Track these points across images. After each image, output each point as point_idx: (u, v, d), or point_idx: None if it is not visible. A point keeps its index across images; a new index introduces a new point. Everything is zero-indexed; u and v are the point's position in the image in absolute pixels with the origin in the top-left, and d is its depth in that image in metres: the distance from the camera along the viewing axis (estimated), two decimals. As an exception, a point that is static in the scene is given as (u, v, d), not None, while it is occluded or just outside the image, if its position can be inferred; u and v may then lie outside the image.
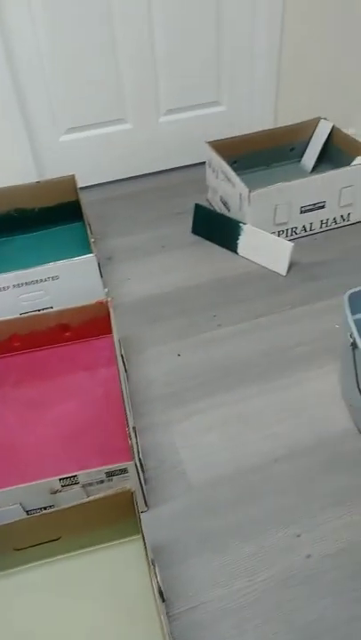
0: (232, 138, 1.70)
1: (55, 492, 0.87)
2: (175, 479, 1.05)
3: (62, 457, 1.02)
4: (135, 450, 0.91)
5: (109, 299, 1.19)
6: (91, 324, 1.22)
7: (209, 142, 1.63)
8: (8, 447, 1.05)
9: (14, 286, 1.23)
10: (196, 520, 0.99)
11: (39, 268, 1.23)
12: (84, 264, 1.25)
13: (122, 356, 1.15)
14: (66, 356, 1.22)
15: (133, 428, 0.95)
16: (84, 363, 1.21)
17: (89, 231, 1.33)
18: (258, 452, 1.08)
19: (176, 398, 1.20)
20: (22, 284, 1.24)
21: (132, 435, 0.93)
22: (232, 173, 1.50)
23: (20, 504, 0.87)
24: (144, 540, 0.76)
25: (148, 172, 1.92)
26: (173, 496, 1.03)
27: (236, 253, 1.56)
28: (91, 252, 1.27)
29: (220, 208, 1.68)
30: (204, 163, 1.91)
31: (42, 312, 1.20)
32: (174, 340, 1.34)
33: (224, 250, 1.59)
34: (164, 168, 1.93)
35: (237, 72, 1.81)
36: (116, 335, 1.13)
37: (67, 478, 0.87)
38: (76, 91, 1.67)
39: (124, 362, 1.16)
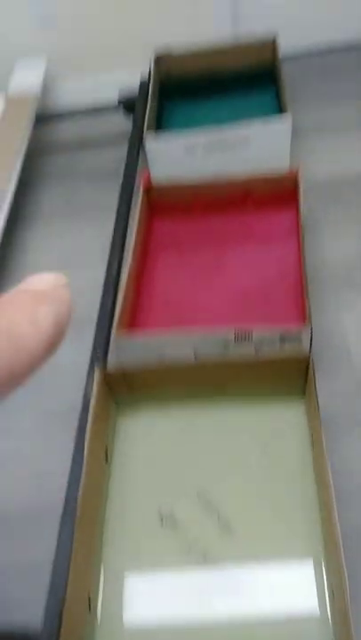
0: None
1: (228, 346, 0.90)
2: (339, 361, 1.03)
3: (232, 319, 1.04)
4: (311, 319, 0.89)
5: (300, 169, 1.12)
6: (274, 195, 1.17)
7: None
8: (181, 303, 1.09)
9: (203, 148, 1.21)
10: (355, 404, 0.96)
11: (230, 129, 1.19)
12: (278, 128, 1.18)
13: (303, 227, 1.10)
14: (243, 225, 1.20)
15: (309, 299, 0.92)
16: (260, 234, 1.18)
17: (286, 96, 1.24)
18: None
19: (351, 284, 1.14)
20: (211, 146, 1.21)
21: (309, 304, 0.90)
22: None
23: (194, 351, 0.91)
24: (316, 398, 0.75)
25: (353, 40, 1.70)
26: (334, 377, 1.01)
27: None
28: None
29: None
30: None
31: (226, 177, 1.17)
32: (356, 227, 1.25)
33: None
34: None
35: None
36: (302, 205, 1.07)
37: (242, 332, 0.88)
38: None
39: (303, 237, 1.11)
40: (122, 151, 1.43)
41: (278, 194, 1.16)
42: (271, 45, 1.43)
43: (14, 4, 1.55)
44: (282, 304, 1.05)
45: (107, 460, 0.86)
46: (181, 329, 0.92)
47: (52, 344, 0.20)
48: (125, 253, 1.14)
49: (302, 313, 0.99)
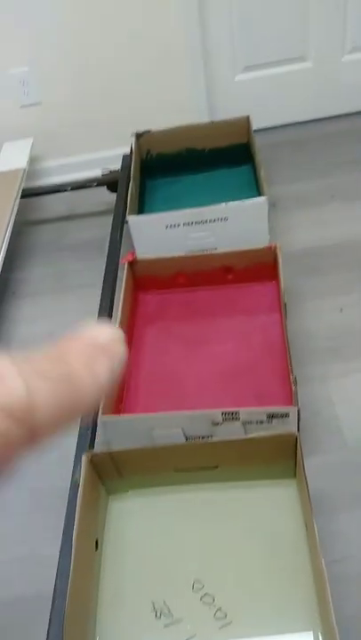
0: None
1: (216, 424, 0.90)
2: (329, 433, 1.03)
3: (219, 393, 1.05)
4: (297, 397, 0.90)
5: (278, 244, 1.17)
6: (255, 269, 1.21)
7: None
8: (169, 378, 1.09)
9: (184, 224, 1.25)
10: (349, 478, 0.96)
11: (210, 208, 1.24)
12: (255, 207, 1.23)
13: (284, 303, 1.13)
14: (227, 297, 1.23)
15: (294, 376, 0.94)
16: (244, 306, 1.21)
17: (262, 175, 1.30)
18: None
19: (336, 354, 1.16)
20: (192, 223, 1.25)
21: (295, 382, 0.92)
22: None
23: (182, 430, 0.91)
24: (306, 482, 0.75)
25: (322, 115, 1.81)
26: (326, 450, 1.01)
27: None
28: (260, 196, 1.24)
29: None
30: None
31: (208, 253, 1.21)
32: (337, 295, 1.29)
33: None
34: (340, 112, 1.80)
35: None
36: (282, 281, 1.11)
37: (229, 413, 0.89)
38: (259, 24, 1.61)
39: (285, 310, 1.14)
40: (106, 223, 1.47)
41: (259, 267, 1.20)
42: (245, 124, 1.51)
43: (2, 88, 1.63)
44: (269, 377, 1.06)
45: (97, 547, 0.84)
46: (169, 410, 0.92)
47: (102, 395, 0.22)
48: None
49: (289, 389, 1.00)
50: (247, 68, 1.71)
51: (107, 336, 0.23)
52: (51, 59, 1.59)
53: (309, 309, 1.26)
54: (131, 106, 1.69)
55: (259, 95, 1.76)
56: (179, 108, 1.71)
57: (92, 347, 0.22)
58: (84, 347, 0.22)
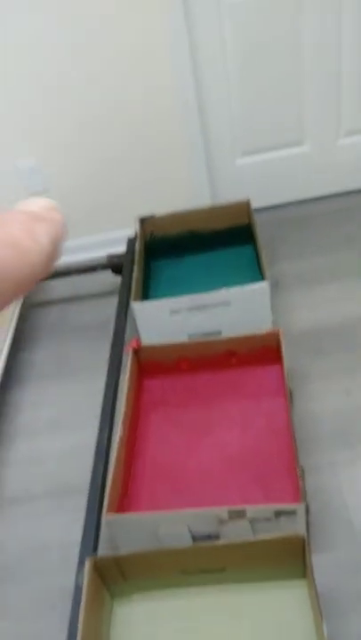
0: None
1: (222, 522, 0.88)
2: (340, 527, 1.00)
3: (223, 483, 1.03)
4: (305, 491, 0.88)
5: (280, 330, 1.18)
6: (258, 353, 1.21)
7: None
8: (172, 466, 1.08)
9: (187, 310, 1.28)
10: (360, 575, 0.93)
11: (211, 294, 1.26)
12: (256, 292, 1.26)
13: (289, 388, 1.13)
14: (230, 381, 1.23)
15: (301, 467, 0.92)
16: (248, 390, 1.21)
17: (263, 258, 1.33)
18: None
19: (344, 439, 1.15)
20: (194, 308, 1.27)
21: (302, 475, 0.90)
22: None
23: (188, 527, 0.89)
24: (315, 587, 0.73)
25: (321, 194, 1.87)
26: (336, 545, 0.98)
27: None
28: (261, 278, 1.27)
29: None
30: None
31: (211, 339, 1.22)
32: (342, 377, 1.28)
33: None
34: (338, 191, 1.87)
35: None
36: (286, 369, 1.11)
37: (235, 510, 0.87)
38: (256, 112, 1.70)
39: (290, 395, 1.14)
40: (110, 305, 1.50)
41: (262, 351, 1.21)
42: (245, 207, 1.57)
43: (10, 179, 1.70)
44: (275, 464, 1.04)
45: (101, 658, 0.80)
46: (174, 504, 0.91)
47: (50, 261, 0.22)
48: (116, 416, 1.15)
49: (296, 478, 0.98)
50: (246, 153, 1.79)
51: (41, 205, 0.24)
52: (57, 150, 1.67)
53: (314, 392, 1.25)
54: (134, 190, 1.76)
55: (258, 177, 1.83)
56: (181, 191, 1.78)
57: (28, 215, 0.23)
58: (20, 216, 0.23)
